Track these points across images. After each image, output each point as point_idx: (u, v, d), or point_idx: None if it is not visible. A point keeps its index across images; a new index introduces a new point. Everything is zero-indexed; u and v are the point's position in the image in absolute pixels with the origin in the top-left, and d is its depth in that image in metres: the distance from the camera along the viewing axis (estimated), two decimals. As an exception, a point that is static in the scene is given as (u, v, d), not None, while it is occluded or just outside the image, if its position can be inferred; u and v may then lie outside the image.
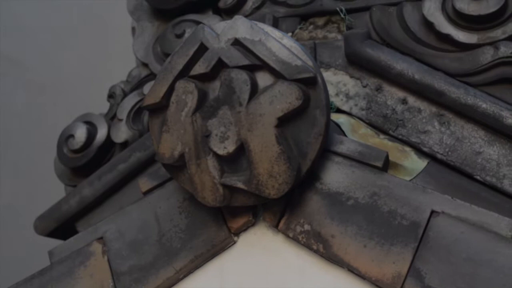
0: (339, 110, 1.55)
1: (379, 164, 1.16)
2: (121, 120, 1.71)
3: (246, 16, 1.63)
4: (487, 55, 1.46)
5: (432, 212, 1.12)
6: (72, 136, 1.73)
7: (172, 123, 1.18)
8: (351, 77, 1.56)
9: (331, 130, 1.22)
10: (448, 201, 1.12)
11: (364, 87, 1.53)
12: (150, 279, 1.26)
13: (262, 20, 1.66)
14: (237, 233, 1.24)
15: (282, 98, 1.12)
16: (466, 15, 1.48)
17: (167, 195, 1.29)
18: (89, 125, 1.74)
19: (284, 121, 1.13)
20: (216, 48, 1.17)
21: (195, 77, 1.18)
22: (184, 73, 1.19)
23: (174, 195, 1.28)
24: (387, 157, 1.17)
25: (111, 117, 1.76)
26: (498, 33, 1.47)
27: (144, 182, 1.32)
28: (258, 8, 1.74)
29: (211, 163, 1.17)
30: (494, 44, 1.46)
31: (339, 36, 1.60)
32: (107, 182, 1.67)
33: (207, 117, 1.17)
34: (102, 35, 2.80)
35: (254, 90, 1.14)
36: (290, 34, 1.65)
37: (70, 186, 1.79)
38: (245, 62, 1.15)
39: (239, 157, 1.16)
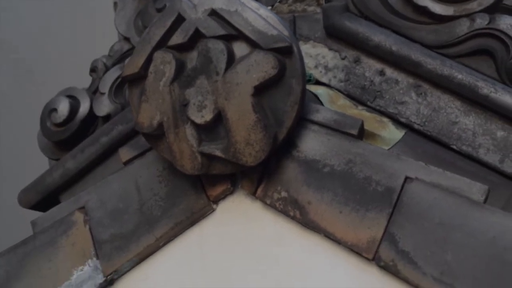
0: (318, 82, 1.57)
1: (354, 132, 1.18)
2: (103, 93, 1.72)
3: (226, -10, 1.64)
4: (463, 27, 1.47)
5: (406, 178, 1.14)
6: (55, 110, 1.74)
7: (151, 93, 1.20)
8: (330, 49, 1.57)
9: (309, 100, 1.24)
10: (422, 167, 1.14)
11: (343, 59, 1.55)
12: (131, 247, 1.28)
13: (242, -7, 1.66)
14: (216, 201, 1.26)
15: (258, 67, 1.13)
16: (442, -12, 1.49)
17: (147, 164, 1.31)
18: (72, 99, 1.75)
19: (261, 90, 1.15)
20: (193, 18, 1.18)
21: (172, 48, 1.19)
22: (162, 44, 1.20)
23: (154, 164, 1.30)
24: (362, 125, 1.19)
25: (94, 91, 1.77)
26: (474, 5, 1.48)
27: (124, 152, 1.33)
28: (238, -18, 1.74)
29: (189, 132, 1.18)
30: (470, 16, 1.48)
31: (318, 9, 1.61)
32: (90, 155, 1.68)
33: (184, 86, 1.18)
34: (85, 9, 2.79)
35: (231, 60, 1.16)
36: (269, 8, 1.66)
37: (54, 160, 1.80)
38: (222, 32, 1.16)
39: (217, 126, 1.18)
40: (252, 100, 1.14)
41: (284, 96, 1.15)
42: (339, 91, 1.53)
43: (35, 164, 1.91)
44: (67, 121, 1.71)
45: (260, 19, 1.16)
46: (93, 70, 1.78)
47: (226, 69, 1.15)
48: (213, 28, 1.17)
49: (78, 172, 1.68)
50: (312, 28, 1.58)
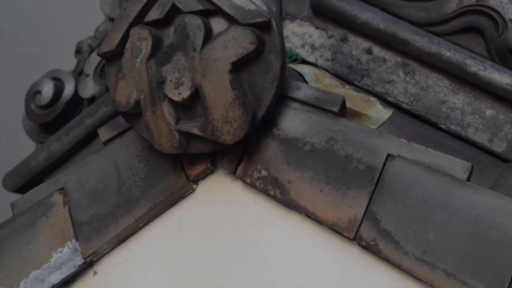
0: (304, 61, 1.54)
1: (336, 109, 1.16)
2: (88, 75, 1.70)
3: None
4: (452, 4, 1.45)
5: (388, 155, 1.11)
6: (39, 92, 1.72)
7: (127, 70, 1.17)
8: (317, 28, 1.55)
9: (290, 77, 1.21)
10: (404, 144, 1.12)
11: (330, 38, 1.52)
12: (110, 228, 1.26)
13: (228, -28, 1.63)
14: (196, 180, 1.24)
15: (236, 42, 1.11)
16: (431, -36, 1.46)
17: (126, 144, 1.29)
18: (56, 81, 1.73)
19: (239, 66, 1.12)
20: (170, -7, 1.15)
21: (149, 24, 1.17)
22: (138, 20, 1.17)
23: (133, 144, 1.28)
24: (343, 102, 1.16)
25: (79, 73, 1.75)
26: (463, -19, 1.45)
27: (103, 132, 1.31)
28: (224, -40, 1.71)
29: (166, 110, 1.16)
30: (459, -8, 1.44)
31: (306, -13, 1.58)
32: (74, 137, 1.66)
33: (161, 63, 1.15)
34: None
35: (208, 36, 1.13)
36: (256, -14, 1.63)
37: (40, 143, 1.78)
38: (199, 7, 1.13)
39: (194, 103, 1.16)
40: (229, 77, 1.11)
41: (263, 73, 1.13)
42: (326, 70, 1.51)
43: (24, 148, 1.89)
44: (51, 103, 1.70)
45: (238, -7, 1.13)
46: (78, 51, 1.76)
47: (203, 45, 1.13)
48: (190, 3, 1.14)
49: (63, 154, 1.66)
50: (299, 6, 1.55)
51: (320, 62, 1.53)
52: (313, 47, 1.54)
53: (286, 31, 1.57)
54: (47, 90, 1.71)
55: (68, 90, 1.72)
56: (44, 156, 1.69)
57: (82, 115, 1.66)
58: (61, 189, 1.31)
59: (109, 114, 1.61)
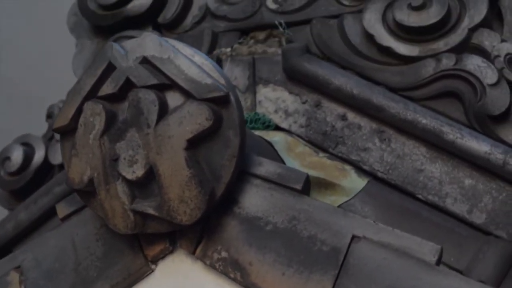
0: (278, 128, 1.49)
1: (299, 186, 1.10)
2: (58, 140, 1.65)
3: (186, 32, 1.59)
4: (428, 68, 1.41)
5: (353, 237, 1.05)
6: (8, 158, 1.67)
7: (81, 147, 1.12)
8: (290, 93, 1.50)
9: (252, 151, 1.16)
10: (370, 225, 1.06)
11: (304, 103, 1.48)
12: (65, 311, 1.19)
13: (201, 35, 1.60)
14: (155, 261, 1.18)
15: (192, 118, 1.06)
16: (406, 27, 1.43)
17: (84, 221, 1.23)
18: (26, 147, 1.68)
19: (195, 143, 1.07)
20: (124, 67, 1.11)
21: (103, 98, 1.12)
22: (92, 94, 1.13)
23: (91, 221, 1.22)
24: (307, 179, 1.11)
25: (49, 138, 1.70)
26: (440, 45, 1.42)
27: (61, 208, 1.26)
28: (198, 23, 1.69)
29: (120, 188, 1.11)
30: (436, 56, 1.41)
31: (279, 51, 1.54)
32: (43, 206, 1.61)
33: (115, 140, 1.10)
34: (44, 52, 2.74)
35: (164, 111, 1.08)
36: (229, 49, 1.60)
37: (11, 210, 1.73)
38: (153, 81, 1.09)
39: (150, 182, 1.10)
40: (185, 154, 1.06)
41: (221, 149, 1.07)
42: (300, 137, 1.45)
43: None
44: (21, 169, 1.66)
45: (194, 66, 1.08)
46: (49, 116, 1.72)
47: (158, 121, 1.08)
48: (144, 77, 1.09)
49: (31, 223, 1.62)
50: (272, 70, 1.51)
51: (294, 128, 1.48)
52: (287, 113, 1.49)
53: (259, 96, 1.52)
54: (17, 156, 1.67)
55: (38, 156, 1.68)
56: (12, 224, 1.64)
57: (51, 182, 1.62)
58: (18, 267, 1.25)
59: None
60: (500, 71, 1.37)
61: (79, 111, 1.14)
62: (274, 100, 1.52)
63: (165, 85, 1.10)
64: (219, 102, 1.08)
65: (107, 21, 1.75)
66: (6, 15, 2.96)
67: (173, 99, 1.11)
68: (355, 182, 1.39)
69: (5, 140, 1.79)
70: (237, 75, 1.57)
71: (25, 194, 1.69)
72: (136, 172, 1.10)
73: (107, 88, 1.13)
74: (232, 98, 1.08)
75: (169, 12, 1.74)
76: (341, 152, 1.44)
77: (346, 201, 1.37)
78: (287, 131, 1.50)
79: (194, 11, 1.74)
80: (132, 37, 1.67)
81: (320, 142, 1.46)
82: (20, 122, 2.30)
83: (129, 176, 1.10)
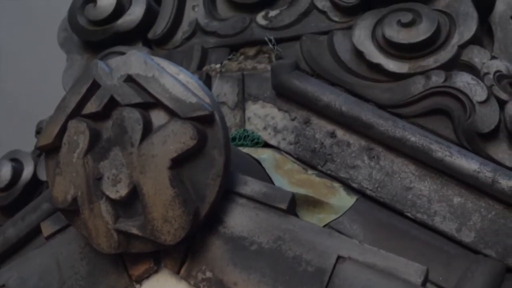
0: (267, 145, 1.48)
1: (284, 206, 1.09)
2: (48, 157, 1.64)
3: (176, 47, 1.58)
4: (418, 85, 1.40)
5: (339, 257, 1.04)
6: (-4, 174, 1.66)
7: (65, 165, 1.11)
8: (279, 109, 1.49)
9: (237, 170, 1.15)
10: (355, 245, 1.05)
11: (293, 120, 1.47)
12: (49, 330, 1.18)
13: (191, 51, 1.60)
14: (139, 280, 1.17)
15: (176, 137, 1.05)
16: (396, 44, 1.42)
17: (68, 240, 1.22)
18: (15, 163, 1.67)
19: (179, 162, 1.06)
20: (108, 85, 1.10)
21: (87, 116, 1.11)
22: (77, 112, 1.12)
23: (75, 240, 1.21)
24: (292, 198, 1.10)
25: (38, 154, 1.69)
26: (429, 62, 1.41)
27: (46, 226, 1.25)
28: (188, 38, 1.68)
29: (104, 208, 1.10)
30: (425, 73, 1.40)
31: (269, 67, 1.53)
32: (31, 222, 1.60)
33: (98, 159, 1.10)
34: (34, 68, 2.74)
35: (148, 130, 1.07)
36: (219, 65, 1.59)
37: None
38: (138, 100, 1.08)
39: (134, 201, 1.10)
40: (169, 174, 1.05)
41: (205, 168, 1.06)
42: (289, 154, 1.44)
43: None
44: (9, 185, 1.64)
45: (179, 85, 1.08)
46: (38, 131, 1.71)
47: (142, 140, 1.07)
48: (128, 95, 1.08)
49: (19, 240, 1.60)
50: (261, 87, 1.50)
51: (283, 145, 1.47)
52: (276, 130, 1.48)
53: (249, 113, 1.52)
54: (5, 172, 1.66)
55: (27, 172, 1.67)
56: (1, 241, 1.62)
57: (39, 199, 1.60)
58: (3, 286, 1.24)
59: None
60: (489, 88, 1.36)
61: (63, 129, 1.14)
62: (263, 117, 1.51)
63: (149, 103, 1.10)
64: (203, 121, 1.07)
65: (97, 36, 1.75)
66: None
67: (158, 117, 1.10)
68: (343, 200, 1.38)
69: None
70: (227, 91, 1.56)
71: (13, 210, 1.68)
72: (119, 191, 1.09)
73: (92, 107, 1.12)
74: (217, 117, 1.08)
75: (159, 27, 1.73)
76: (330, 169, 1.43)
77: (334, 219, 1.35)
78: (276, 148, 1.48)
79: (184, 27, 1.73)
80: (122, 52, 1.67)
81: (309, 160, 1.45)
82: (8, 137, 2.29)
83: (113, 195, 1.09)
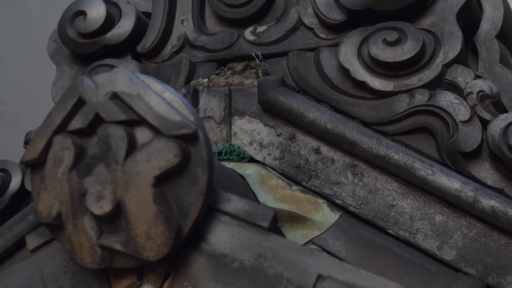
0: (252, 160, 1.49)
1: (266, 224, 1.10)
2: (36, 168, 1.65)
3: (164, 61, 1.59)
4: (402, 103, 1.41)
5: (319, 276, 1.05)
6: (-16, 185, 1.67)
7: (50, 181, 1.12)
8: (265, 125, 1.51)
9: (220, 187, 1.16)
10: (335, 264, 1.06)
11: (278, 135, 1.48)
12: None
13: (179, 65, 1.61)
14: (122, 295, 1.17)
15: (160, 155, 1.06)
16: (381, 62, 1.44)
17: (53, 253, 1.23)
18: (3, 173, 1.68)
19: (163, 180, 1.07)
20: (94, 102, 1.11)
21: (73, 132, 1.12)
22: (62, 128, 1.13)
23: (60, 254, 1.22)
24: (274, 216, 1.11)
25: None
26: (414, 80, 1.43)
27: (31, 240, 1.26)
28: (177, 52, 1.69)
29: (88, 223, 1.11)
30: (410, 91, 1.42)
31: (256, 83, 1.55)
32: (17, 233, 1.60)
33: (83, 174, 1.11)
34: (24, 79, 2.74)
35: (132, 147, 1.08)
36: (206, 80, 1.60)
37: (-14, 237, 1.72)
38: (123, 117, 1.09)
39: (118, 217, 1.10)
40: (152, 191, 1.06)
41: (189, 186, 1.08)
42: (274, 169, 1.45)
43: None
44: (-3, 196, 1.64)
45: (163, 103, 1.09)
46: (26, 142, 1.72)
47: (126, 157, 1.08)
48: (113, 112, 1.10)
49: (5, 251, 1.60)
50: (248, 102, 1.52)
51: (268, 161, 1.48)
52: (261, 145, 1.50)
53: (235, 128, 1.53)
54: (-7, 182, 1.66)
55: (15, 183, 1.67)
56: (-13, 251, 1.63)
57: (26, 210, 1.61)
58: (-15, 299, 1.25)
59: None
60: (472, 108, 1.38)
61: (48, 144, 1.14)
62: (249, 132, 1.53)
63: (134, 121, 1.11)
64: (187, 139, 1.08)
65: (87, 49, 1.76)
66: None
67: (142, 135, 1.11)
68: (327, 216, 1.40)
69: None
70: (214, 106, 1.58)
71: (0, 221, 1.68)
72: (103, 207, 1.10)
73: (77, 123, 1.13)
74: (201, 135, 1.09)
75: (148, 41, 1.75)
76: (314, 185, 1.44)
77: (318, 235, 1.37)
78: (262, 163, 1.50)
79: (173, 41, 1.75)
80: (111, 65, 1.68)
81: (294, 175, 1.47)
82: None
83: (97, 211, 1.10)
